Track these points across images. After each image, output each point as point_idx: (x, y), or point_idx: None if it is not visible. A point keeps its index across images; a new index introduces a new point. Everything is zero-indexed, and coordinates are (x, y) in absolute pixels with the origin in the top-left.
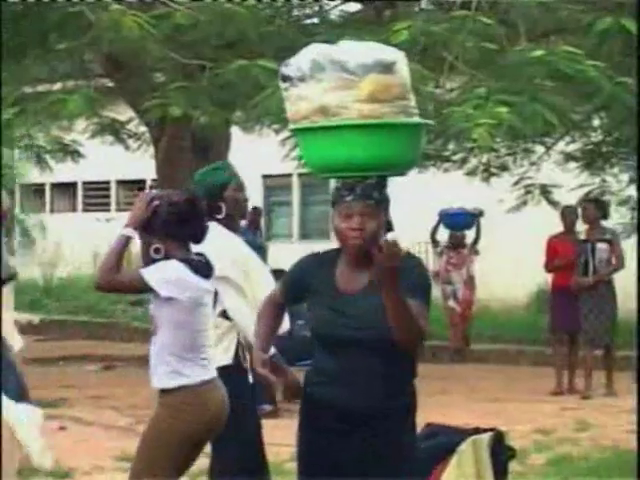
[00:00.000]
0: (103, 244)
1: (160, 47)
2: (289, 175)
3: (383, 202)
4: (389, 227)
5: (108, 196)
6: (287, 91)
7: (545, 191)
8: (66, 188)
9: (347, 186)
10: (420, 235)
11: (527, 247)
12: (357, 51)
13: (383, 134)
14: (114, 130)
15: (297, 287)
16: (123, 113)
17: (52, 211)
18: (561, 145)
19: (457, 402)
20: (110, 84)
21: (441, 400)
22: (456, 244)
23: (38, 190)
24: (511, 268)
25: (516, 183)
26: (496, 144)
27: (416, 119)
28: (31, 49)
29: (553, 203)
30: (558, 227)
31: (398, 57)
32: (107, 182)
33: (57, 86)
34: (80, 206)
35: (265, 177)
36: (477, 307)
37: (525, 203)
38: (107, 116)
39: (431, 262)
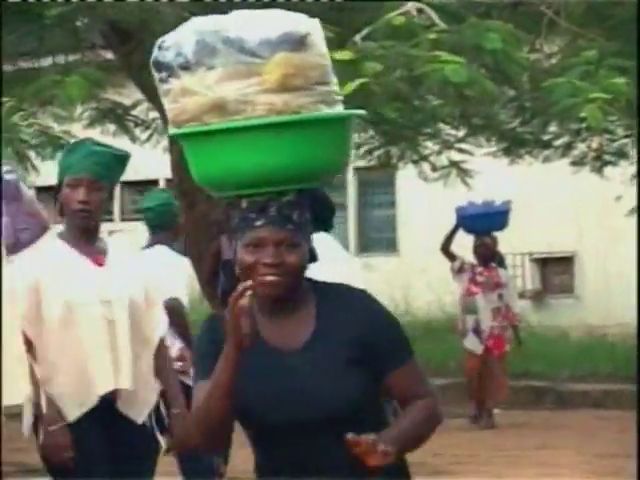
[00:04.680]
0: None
1: (176, 9)
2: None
3: (305, 225)
4: (312, 258)
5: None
6: (165, 84)
7: None
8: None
9: (256, 207)
10: (516, 244)
11: None
12: (256, 24)
13: (304, 134)
14: (117, 117)
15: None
16: (128, 95)
17: None
18: None
19: (564, 459)
20: (110, 58)
21: (542, 456)
22: (484, 255)
23: None
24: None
25: None
26: (610, 124)
27: (343, 110)
28: (12, 16)
29: None
30: None
31: (311, 27)
32: None
33: (45, 62)
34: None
35: None
36: (591, 335)
37: None
38: (108, 99)
39: (526, 282)
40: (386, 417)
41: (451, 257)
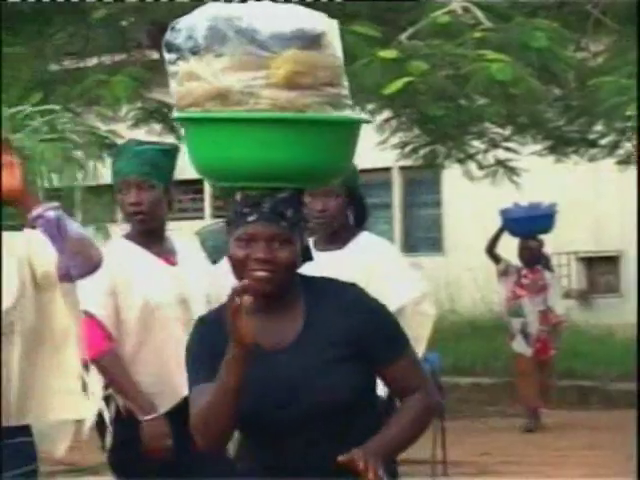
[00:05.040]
0: None
1: None
2: (388, 169)
3: (298, 223)
4: (307, 256)
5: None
6: (173, 65)
7: None
8: (103, 193)
9: (250, 201)
10: (563, 243)
11: None
12: (271, 17)
13: (305, 133)
14: (163, 116)
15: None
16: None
17: (85, 222)
18: None
19: (611, 460)
20: (156, 57)
21: (589, 457)
22: (529, 258)
23: (64, 196)
24: None
25: None
26: None
27: (350, 114)
28: (58, 16)
29: None
30: None
31: (328, 26)
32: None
33: (91, 62)
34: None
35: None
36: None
37: None
38: (153, 98)
39: (572, 281)
40: (379, 410)
41: (496, 259)
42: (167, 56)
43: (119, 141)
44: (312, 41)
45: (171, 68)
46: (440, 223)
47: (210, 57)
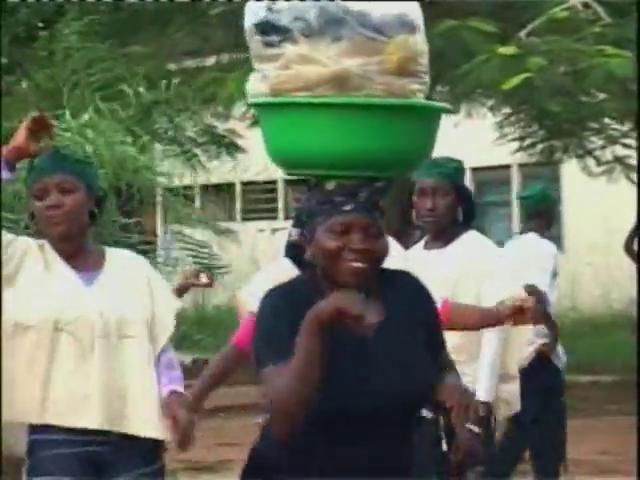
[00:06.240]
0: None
1: None
2: (507, 167)
3: (383, 214)
4: None
5: (274, 200)
6: (274, 48)
7: None
8: (221, 191)
9: (345, 191)
10: None
11: None
12: (371, 2)
13: (409, 120)
14: None
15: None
16: None
17: (202, 221)
18: None
19: None
20: None
21: None
22: None
23: (184, 195)
24: None
25: None
26: None
27: (435, 102)
28: (177, 15)
29: None
30: None
31: (418, 11)
32: (273, 182)
33: (209, 61)
34: (239, 214)
35: (475, 170)
36: None
37: None
38: None
39: None
40: None
41: (635, 258)
42: (261, 38)
43: (238, 140)
44: (413, 27)
45: (268, 50)
46: (559, 220)
47: (327, 40)
